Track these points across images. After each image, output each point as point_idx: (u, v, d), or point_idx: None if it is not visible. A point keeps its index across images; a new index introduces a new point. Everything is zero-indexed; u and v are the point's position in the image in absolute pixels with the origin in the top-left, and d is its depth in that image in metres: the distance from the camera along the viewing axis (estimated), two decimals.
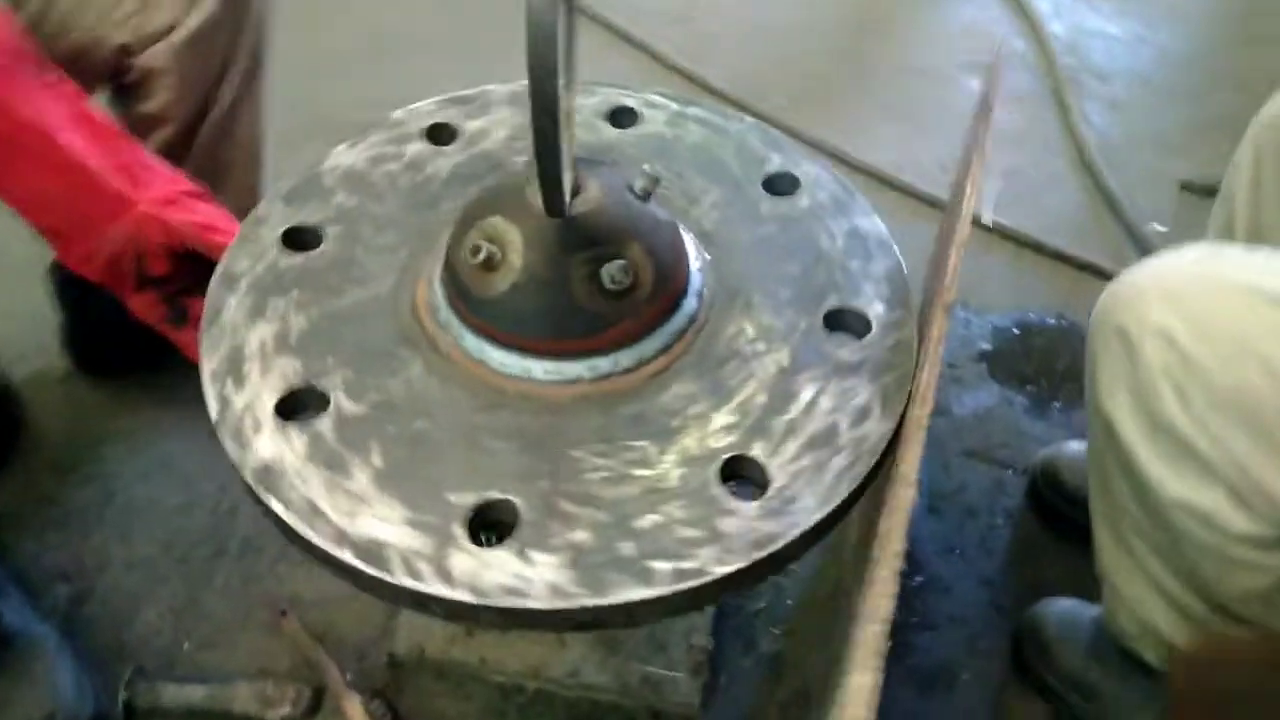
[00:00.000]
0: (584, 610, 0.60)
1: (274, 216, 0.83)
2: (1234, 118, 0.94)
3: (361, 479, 0.66)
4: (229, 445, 0.67)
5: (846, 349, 0.74)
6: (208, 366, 0.72)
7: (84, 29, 0.98)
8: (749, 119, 0.93)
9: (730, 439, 0.69)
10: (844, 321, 0.76)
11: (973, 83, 1.83)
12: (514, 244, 0.70)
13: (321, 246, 0.81)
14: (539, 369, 0.71)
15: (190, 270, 0.87)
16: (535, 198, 0.70)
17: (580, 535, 0.63)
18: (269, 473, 0.66)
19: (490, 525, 0.65)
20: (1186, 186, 1.61)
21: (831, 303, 0.77)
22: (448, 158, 0.89)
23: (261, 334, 0.74)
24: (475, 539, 0.63)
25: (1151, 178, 1.65)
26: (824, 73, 1.87)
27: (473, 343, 0.72)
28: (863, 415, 0.70)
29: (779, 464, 0.67)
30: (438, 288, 0.75)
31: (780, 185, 0.87)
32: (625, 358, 0.72)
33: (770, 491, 0.65)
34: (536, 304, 0.69)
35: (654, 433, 0.69)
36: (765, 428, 0.69)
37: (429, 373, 0.72)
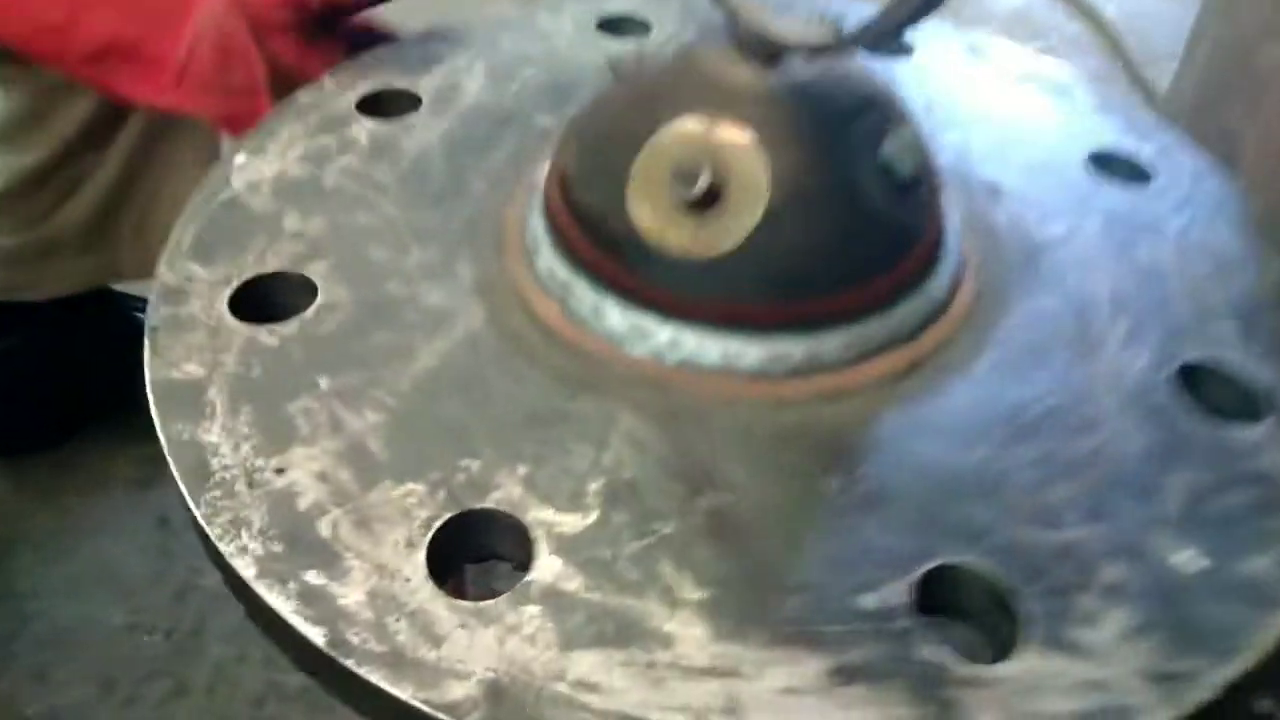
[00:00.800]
0: None
1: (199, 278, 0.46)
2: None
3: (703, 632, 0.34)
4: (408, 696, 0.32)
5: (1145, 196, 0.53)
6: (245, 568, 0.35)
7: None
8: None
9: (1149, 350, 0.44)
10: (1116, 168, 0.55)
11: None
12: (743, 152, 0.41)
13: (318, 298, 0.46)
14: (835, 344, 0.42)
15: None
16: (747, 69, 0.41)
17: (1112, 571, 0.36)
18: (519, 699, 0.32)
19: (937, 609, 0.36)
20: None
21: (1085, 149, 0.55)
22: (427, 128, 0.56)
23: (314, 465, 0.38)
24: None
25: None
26: None
27: (700, 343, 0.42)
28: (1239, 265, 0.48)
29: (1238, 359, 0.44)
30: (580, 284, 0.44)
31: (888, 45, 0.63)
32: (941, 283, 0.45)
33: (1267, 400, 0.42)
34: (815, 234, 0.40)
35: (1060, 382, 0.42)
36: (1176, 321, 0.45)
37: (650, 421, 0.41)
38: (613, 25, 0.64)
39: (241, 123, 0.58)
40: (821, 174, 0.40)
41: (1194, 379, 0.43)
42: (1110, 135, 0.56)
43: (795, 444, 0.40)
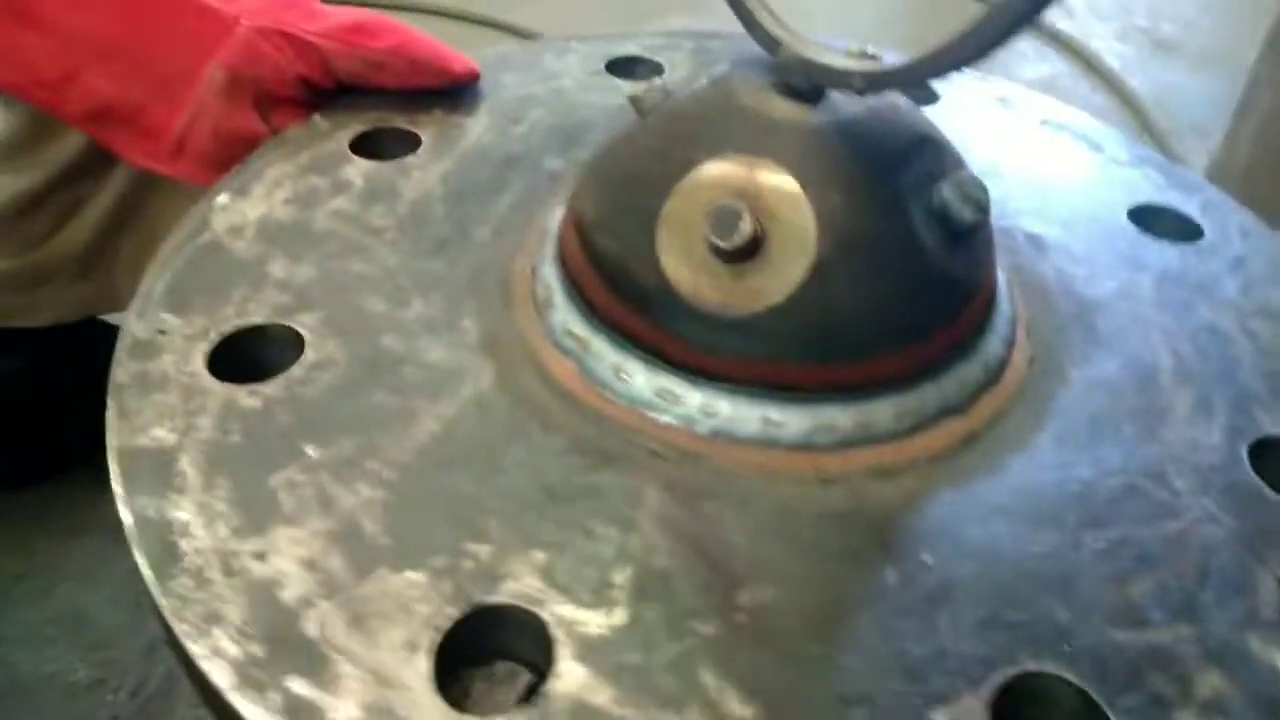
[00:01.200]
0: None
1: (173, 330, 0.41)
2: None
3: None
4: None
5: (1196, 253, 0.49)
6: (218, 672, 0.30)
7: None
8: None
9: (1220, 423, 0.41)
10: (1160, 223, 0.52)
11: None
12: (787, 196, 0.37)
13: (307, 354, 0.41)
14: (886, 414, 0.38)
15: None
16: (789, 106, 0.38)
17: (1210, 680, 0.32)
18: None
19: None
20: None
21: (1126, 203, 0.52)
22: (427, 169, 0.52)
23: (301, 549, 0.33)
24: None
25: None
26: None
27: (736, 410, 0.38)
28: None
29: None
30: (600, 341, 0.40)
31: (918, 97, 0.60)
32: (995, 345, 0.41)
33: None
34: (867, 289, 0.36)
35: (1129, 459, 0.38)
36: (1246, 390, 0.41)
37: (682, 500, 0.36)
38: (622, 67, 0.61)
39: None
40: (874, 221, 0.36)
41: (1272, 454, 0.39)
42: (1151, 189, 0.53)
43: (845, 528, 0.35)
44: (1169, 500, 0.37)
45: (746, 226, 0.35)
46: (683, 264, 0.37)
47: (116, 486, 0.34)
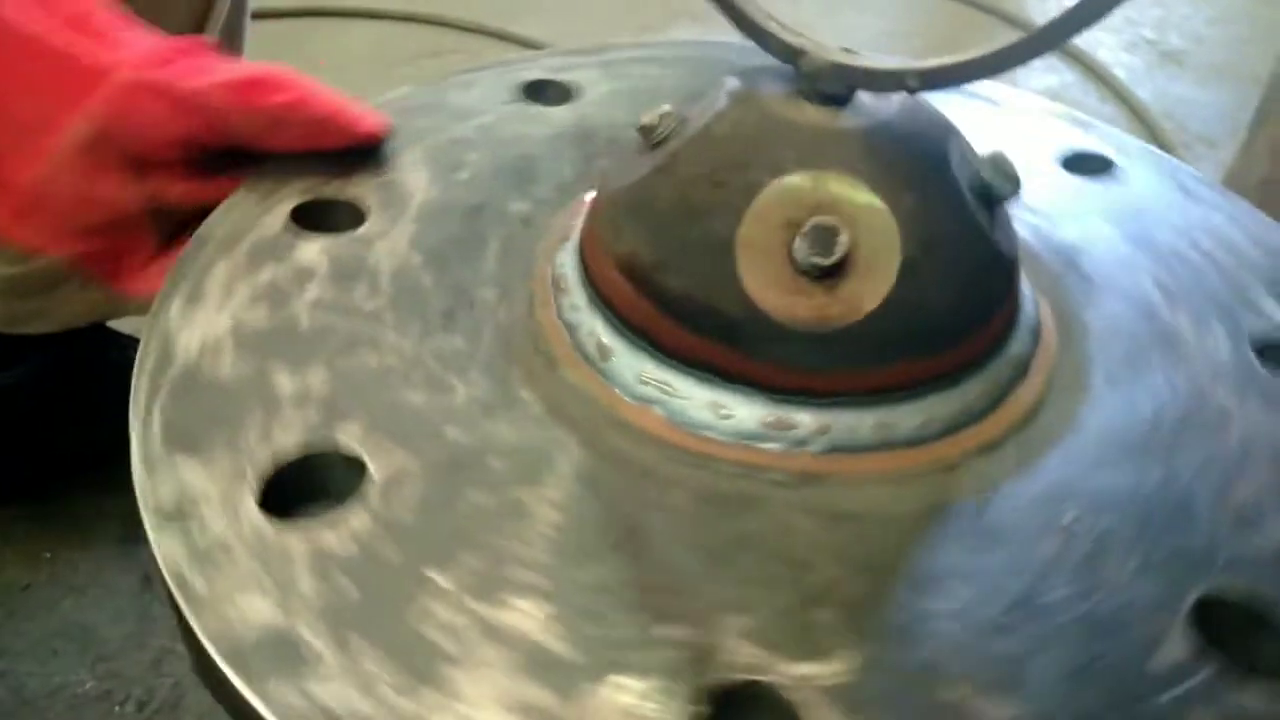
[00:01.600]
0: None
1: (199, 484, 0.35)
2: None
3: None
4: None
5: (1125, 187, 0.54)
6: None
7: None
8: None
9: (1221, 333, 0.45)
10: (1083, 166, 0.56)
11: None
12: (866, 204, 0.36)
13: (370, 471, 0.36)
14: (977, 392, 0.38)
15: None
16: (831, 114, 0.37)
17: None
18: None
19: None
20: None
21: (1049, 152, 0.56)
22: (389, 237, 0.47)
23: (493, 688, 0.29)
24: None
25: None
26: None
27: (851, 422, 0.37)
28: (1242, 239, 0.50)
29: None
30: (686, 383, 0.37)
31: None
32: (1030, 309, 0.43)
33: None
34: (952, 278, 0.36)
35: (1172, 384, 0.41)
36: (1223, 301, 0.45)
37: (834, 526, 0.35)
38: (535, 93, 0.58)
39: (112, 267, 0.48)
40: (944, 212, 0.37)
41: (1273, 352, 0.44)
42: (1060, 134, 0.58)
43: (985, 512, 0.36)
44: (1221, 412, 0.41)
45: (845, 239, 0.35)
46: (769, 288, 0.36)
47: (242, 687, 0.29)
